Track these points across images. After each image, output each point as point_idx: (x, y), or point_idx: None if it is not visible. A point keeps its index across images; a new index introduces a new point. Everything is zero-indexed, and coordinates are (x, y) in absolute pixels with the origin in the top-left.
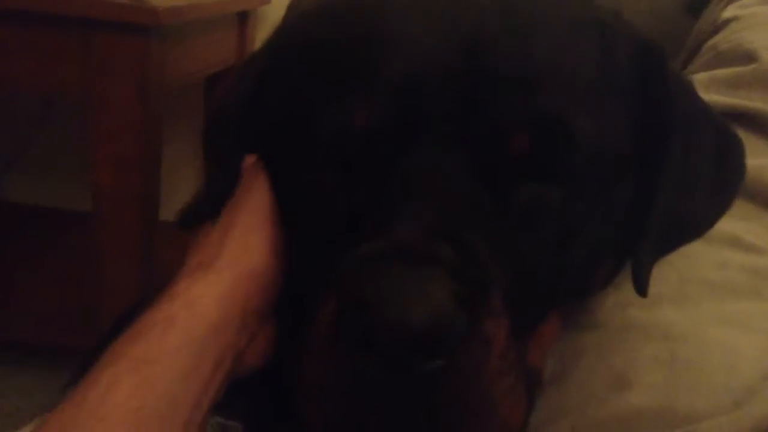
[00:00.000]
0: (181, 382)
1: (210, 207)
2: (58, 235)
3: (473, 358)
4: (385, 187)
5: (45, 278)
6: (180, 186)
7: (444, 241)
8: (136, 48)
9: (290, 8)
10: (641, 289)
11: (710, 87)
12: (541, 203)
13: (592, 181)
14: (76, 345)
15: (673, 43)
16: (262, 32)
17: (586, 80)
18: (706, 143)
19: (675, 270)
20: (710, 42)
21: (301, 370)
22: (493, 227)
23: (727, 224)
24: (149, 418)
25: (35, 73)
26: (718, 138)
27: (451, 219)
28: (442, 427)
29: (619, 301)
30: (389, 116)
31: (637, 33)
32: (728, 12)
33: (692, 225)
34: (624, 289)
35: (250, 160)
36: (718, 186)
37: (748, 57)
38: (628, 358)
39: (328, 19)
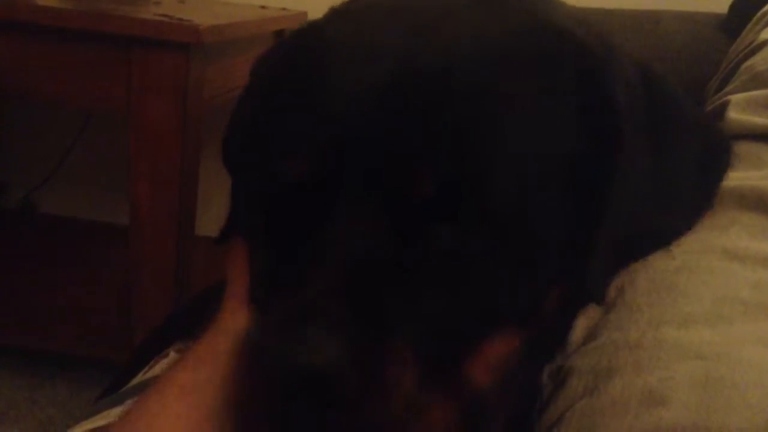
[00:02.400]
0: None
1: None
2: (95, 248)
3: (370, 406)
4: (305, 240)
5: (81, 290)
6: (215, 201)
7: (345, 298)
8: (176, 65)
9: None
10: (595, 297)
11: (747, 108)
12: (458, 248)
13: (516, 221)
14: (111, 356)
15: (710, 64)
16: None
17: (509, 119)
18: (682, 153)
19: (709, 290)
20: (747, 63)
21: None
22: (406, 275)
23: (760, 244)
24: None
25: (76, 89)
26: (702, 146)
27: (359, 274)
28: None
29: (653, 319)
30: (311, 173)
31: (582, 45)
32: (766, 33)
33: (664, 233)
34: (659, 308)
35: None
36: (699, 194)
37: None
38: (662, 376)
39: (280, 62)
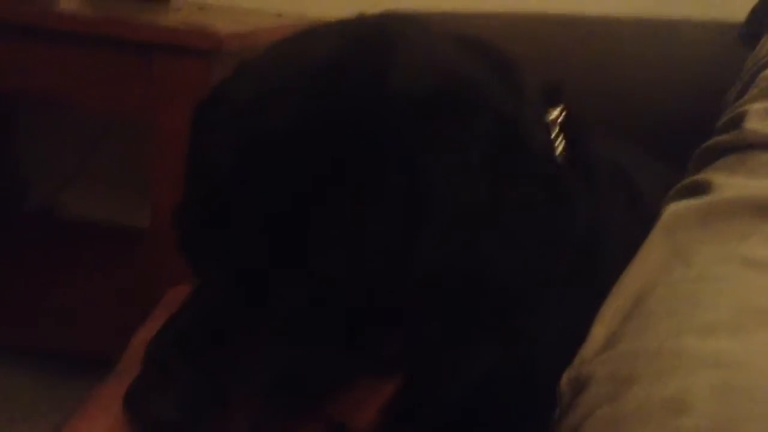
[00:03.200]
0: None
1: None
2: (117, 251)
3: None
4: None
5: (102, 292)
6: None
7: (189, 353)
8: (196, 71)
9: None
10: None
11: (766, 118)
12: (290, 298)
13: (341, 280)
14: None
15: (729, 73)
16: None
17: (333, 188)
18: (521, 203)
19: (728, 299)
20: (765, 72)
21: None
22: (254, 324)
23: None
24: None
25: (98, 95)
26: (545, 196)
27: (209, 325)
28: None
29: (672, 329)
30: (191, 218)
31: (395, 112)
32: None
33: (503, 280)
34: (678, 317)
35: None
36: (542, 241)
37: None
38: (682, 385)
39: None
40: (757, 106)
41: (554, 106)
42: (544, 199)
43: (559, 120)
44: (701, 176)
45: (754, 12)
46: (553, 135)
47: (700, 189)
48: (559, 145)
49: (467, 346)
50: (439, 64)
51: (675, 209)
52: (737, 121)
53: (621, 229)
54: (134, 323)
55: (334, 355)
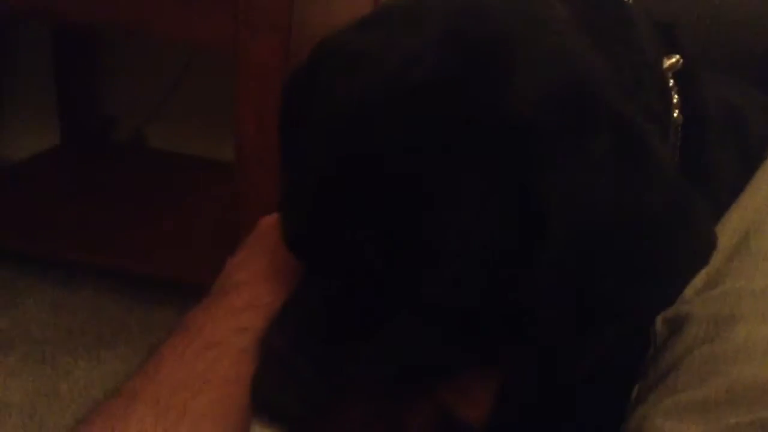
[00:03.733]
0: None
1: None
2: (204, 181)
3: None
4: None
5: (192, 220)
6: None
7: (308, 349)
8: (281, 4)
9: None
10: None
11: None
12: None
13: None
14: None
15: None
16: None
17: (431, 209)
18: (649, 207)
19: None
20: None
21: None
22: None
23: None
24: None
25: (182, 25)
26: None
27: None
28: None
29: None
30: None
31: (520, 136)
32: None
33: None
34: None
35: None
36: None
37: None
38: None
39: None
40: None
41: (670, 49)
42: (667, 213)
43: (675, 69)
44: None
45: None
46: (670, 84)
47: None
48: (674, 97)
49: (585, 344)
50: (558, 72)
51: None
52: None
53: (731, 190)
54: (222, 250)
55: (448, 351)
